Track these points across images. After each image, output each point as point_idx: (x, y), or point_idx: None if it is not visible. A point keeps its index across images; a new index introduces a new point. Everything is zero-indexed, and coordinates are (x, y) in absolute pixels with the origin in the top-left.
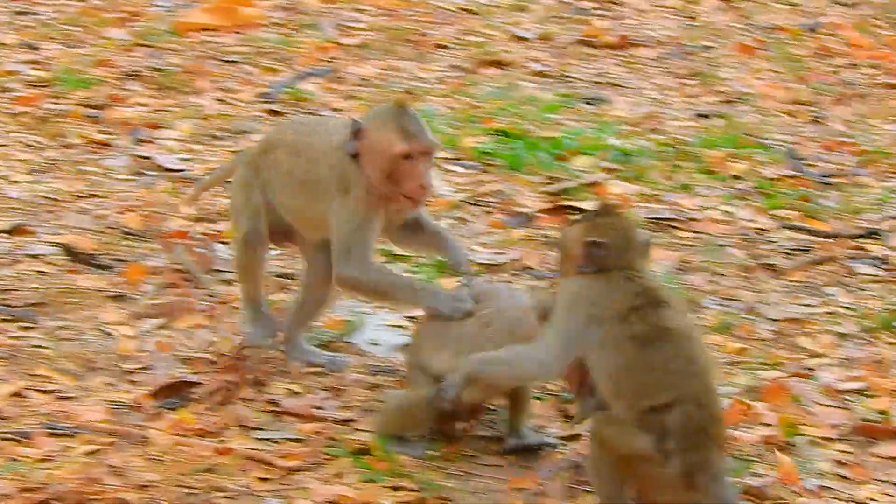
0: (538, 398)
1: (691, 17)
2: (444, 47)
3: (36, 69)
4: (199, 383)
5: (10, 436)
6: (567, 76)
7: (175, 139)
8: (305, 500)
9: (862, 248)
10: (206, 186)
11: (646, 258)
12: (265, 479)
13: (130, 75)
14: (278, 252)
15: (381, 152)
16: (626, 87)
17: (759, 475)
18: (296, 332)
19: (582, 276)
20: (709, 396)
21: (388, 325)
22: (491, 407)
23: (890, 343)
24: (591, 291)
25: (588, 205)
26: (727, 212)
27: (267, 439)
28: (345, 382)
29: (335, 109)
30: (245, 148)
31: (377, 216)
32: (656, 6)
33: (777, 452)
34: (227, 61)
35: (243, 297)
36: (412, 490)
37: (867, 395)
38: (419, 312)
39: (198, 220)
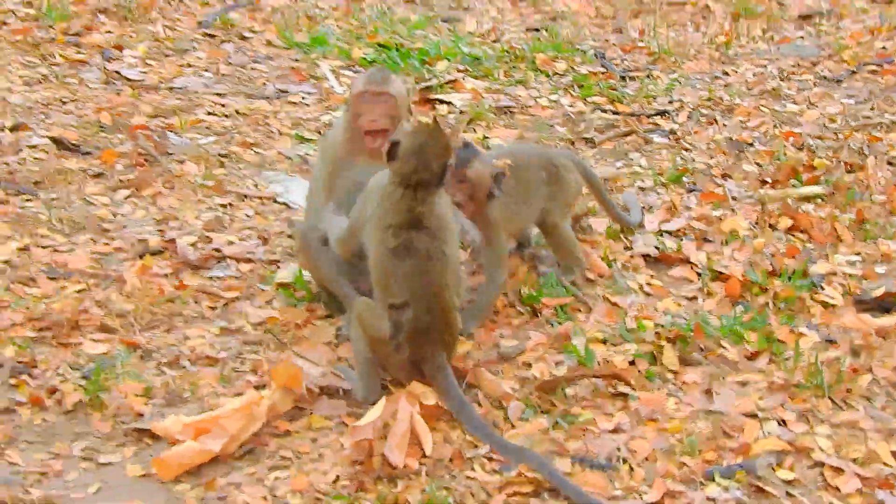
0: None
1: None
2: None
3: (27, 7)
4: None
5: (18, 279)
6: (428, 3)
7: (135, 57)
8: (244, 321)
9: (655, 124)
10: None
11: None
12: (213, 307)
13: (100, 10)
14: None
15: (351, 98)
16: (474, 10)
17: None
18: None
19: (386, 179)
20: (436, 305)
21: None
22: None
23: (678, 193)
24: (383, 195)
25: (450, 97)
26: (553, 100)
27: (214, 277)
28: (270, 233)
29: (253, 32)
30: None
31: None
32: None
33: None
34: None
35: None
36: (326, 312)
37: (664, 231)
38: None
39: (154, 116)
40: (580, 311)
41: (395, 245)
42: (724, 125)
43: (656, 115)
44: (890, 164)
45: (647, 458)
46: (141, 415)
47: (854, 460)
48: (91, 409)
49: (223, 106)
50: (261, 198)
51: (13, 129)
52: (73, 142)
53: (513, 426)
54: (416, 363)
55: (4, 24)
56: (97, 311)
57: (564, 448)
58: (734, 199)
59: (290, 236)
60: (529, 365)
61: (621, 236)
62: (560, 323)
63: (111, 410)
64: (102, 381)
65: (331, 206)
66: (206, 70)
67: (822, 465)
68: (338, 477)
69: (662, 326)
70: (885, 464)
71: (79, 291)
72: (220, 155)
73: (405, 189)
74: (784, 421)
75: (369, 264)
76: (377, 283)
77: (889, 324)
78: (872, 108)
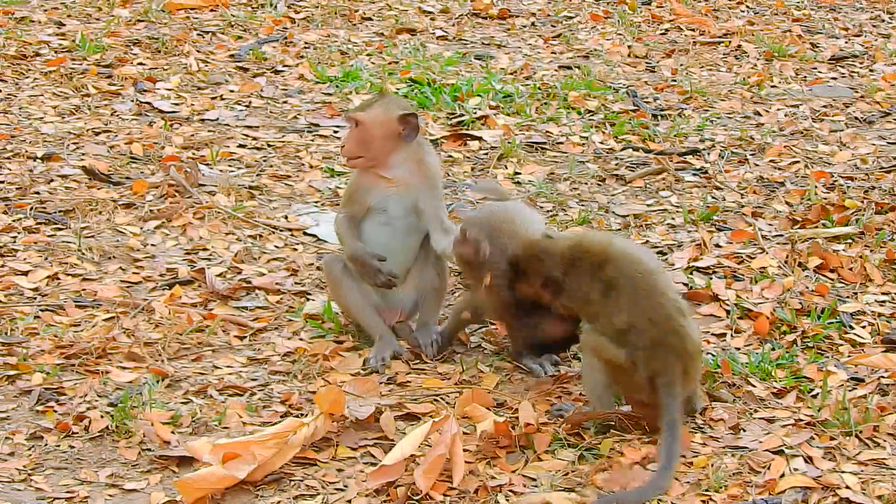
0: None
1: None
2: (370, 19)
3: (61, 39)
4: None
5: (48, 307)
6: (462, 39)
7: (167, 89)
8: (272, 352)
9: (686, 162)
10: None
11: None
12: (241, 338)
13: (133, 42)
14: None
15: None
16: (507, 47)
17: None
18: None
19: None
20: (659, 315)
21: None
22: None
23: (708, 231)
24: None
25: (481, 132)
26: (584, 137)
27: (242, 307)
28: (299, 265)
29: (286, 65)
30: None
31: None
32: None
33: None
34: (206, 31)
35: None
36: (353, 341)
37: (693, 269)
38: None
39: (185, 148)
40: None
41: (600, 287)
42: (756, 164)
43: (688, 153)
44: None
45: (672, 493)
46: (167, 442)
47: (880, 497)
48: (118, 437)
49: (255, 139)
50: (291, 230)
51: (45, 158)
52: (104, 172)
53: (539, 458)
54: (652, 379)
55: (38, 55)
56: (125, 339)
57: (592, 480)
58: (764, 237)
59: (318, 268)
60: (558, 398)
61: None
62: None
63: (137, 438)
64: (129, 408)
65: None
66: (238, 103)
67: (848, 502)
68: None
69: None
70: None
71: (107, 320)
72: (250, 187)
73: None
74: (810, 458)
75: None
76: (596, 319)
77: None
78: None
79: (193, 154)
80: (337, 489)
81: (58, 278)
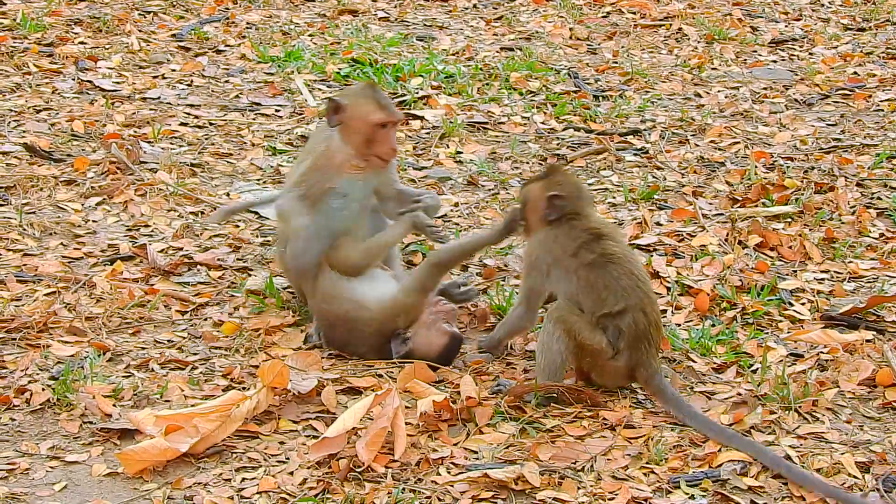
0: None
1: None
2: (312, 0)
3: (2, 18)
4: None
5: None
6: (404, 21)
7: (109, 68)
8: (213, 327)
9: (627, 143)
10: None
11: (591, 204)
12: (183, 313)
13: (75, 22)
14: None
15: (361, 121)
16: (449, 29)
17: None
18: None
19: (543, 228)
20: (651, 306)
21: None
22: None
23: (649, 210)
24: (547, 242)
25: (423, 112)
26: (526, 117)
27: (184, 283)
28: (242, 240)
29: (228, 45)
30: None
31: (341, 175)
32: None
33: None
34: (148, 11)
35: None
36: (294, 317)
37: (635, 246)
38: None
39: (127, 126)
40: None
41: (593, 258)
42: (696, 145)
43: (629, 133)
44: (859, 185)
45: (613, 466)
46: (109, 415)
47: (818, 470)
48: (59, 410)
49: (196, 117)
50: None
51: None
52: (46, 149)
53: (481, 432)
54: (631, 368)
55: None
56: (67, 314)
57: (534, 454)
58: (705, 216)
59: (262, 244)
60: (497, 376)
61: None
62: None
63: (79, 411)
64: (70, 382)
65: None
66: (180, 82)
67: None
68: (305, 479)
69: None
70: (850, 474)
71: (48, 295)
72: (192, 165)
73: (570, 219)
74: (750, 431)
75: (563, 296)
76: (586, 301)
77: (855, 339)
78: (843, 132)
79: (135, 132)
80: (279, 461)
81: None
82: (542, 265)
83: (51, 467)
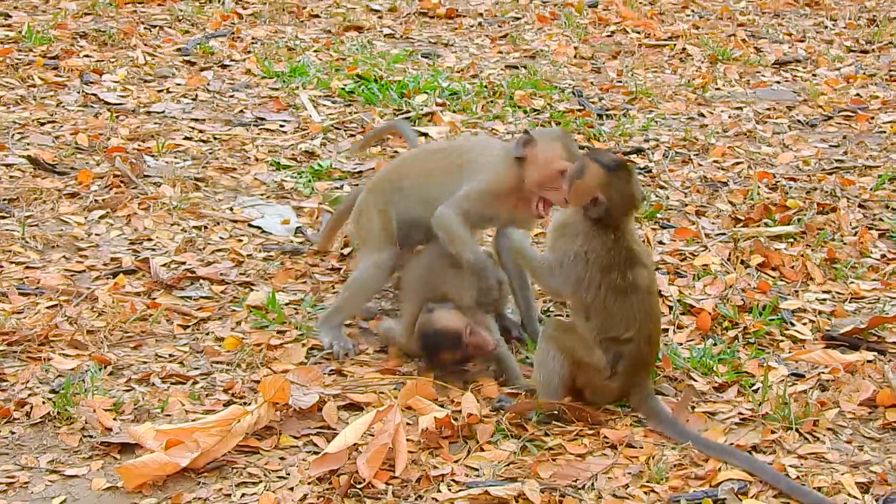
0: None
1: None
2: (317, 16)
3: (7, 31)
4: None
5: None
6: (409, 38)
7: (114, 81)
8: (214, 341)
9: (631, 161)
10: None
11: (634, 218)
12: (185, 327)
13: (80, 35)
14: None
15: (546, 162)
16: (454, 46)
17: None
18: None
19: (582, 217)
20: (657, 335)
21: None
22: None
23: (652, 229)
24: (586, 235)
25: (427, 129)
26: None
27: (186, 297)
28: (244, 254)
29: (233, 60)
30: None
31: (502, 205)
32: None
33: None
34: (153, 25)
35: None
36: (297, 335)
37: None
38: None
39: (131, 139)
40: None
41: (620, 284)
42: (700, 164)
43: (632, 152)
44: (861, 206)
45: (614, 485)
46: (109, 429)
47: (819, 489)
48: (59, 423)
49: (201, 132)
50: (235, 221)
51: None
52: (49, 162)
53: (482, 449)
54: (625, 390)
55: None
56: (68, 327)
57: (535, 472)
58: (707, 235)
59: (264, 259)
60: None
61: None
62: (530, 352)
63: (79, 424)
64: (71, 395)
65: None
66: (185, 96)
67: (785, 494)
68: (305, 495)
69: None
70: (850, 495)
71: (50, 307)
72: (196, 179)
73: (612, 230)
74: (751, 451)
75: (572, 299)
76: (592, 321)
77: (856, 360)
78: (845, 153)
79: (139, 145)
80: (279, 477)
81: (1, 266)
82: (574, 246)
83: (50, 481)
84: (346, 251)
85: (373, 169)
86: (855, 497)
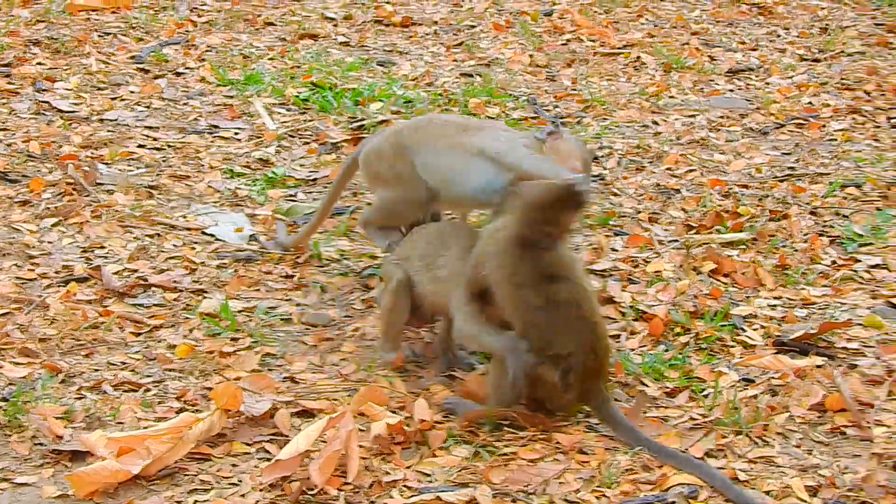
0: None
1: (458, 4)
2: (272, 24)
3: None
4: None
5: None
6: (364, 46)
7: (67, 89)
8: (167, 349)
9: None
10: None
11: (570, 235)
12: (137, 335)
13: (33, 42)
14: None
15: (562, 156)
16: (409, 54)
17: None
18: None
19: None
20: (600, 343)
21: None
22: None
23: (605, 236)
24: (516, 256)
25: None
26: None
27: (138, 304)
28: (197, 262)
29: (188, 68)
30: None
31: None
32: None
33: None
34: (107, 33)
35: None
36: (248, 340)
37: (590, 271)
38: None
39: (84, 147)
40: None
41: (540, 303)
42: (653, 172)
43: None
44: (812, 213)
45: (566, 490)
46: (60, 437)
47: (768, 493)
48: (9, 431)
49: (154, 139)
50: (189, 229)
51: None
52: (1, 169)
53: (434, 455)
54: (582, 400)
55: None
56: (19, 335)
57: (486, 477)
58: (660, 242)
59: (217, 267)
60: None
61: None
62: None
63: (30, 432)
64: (22, 403)
65: None
66: (139, 104)
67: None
68: (257, 501)
69: None
70: (799, 498)
71: (1, 316)
72: (149, 187)
73: (528, 247)
74: (702, 456)
75: (507, 315)
76: (532, 336)
77: (806, 365)
78: (797, 161)
79: (92, 153)
80: (231, 484)
81: None
82: (504, 271)
83: (0, 489)
84: (300, 259)
85: (327, 177)
86: (804, 500)
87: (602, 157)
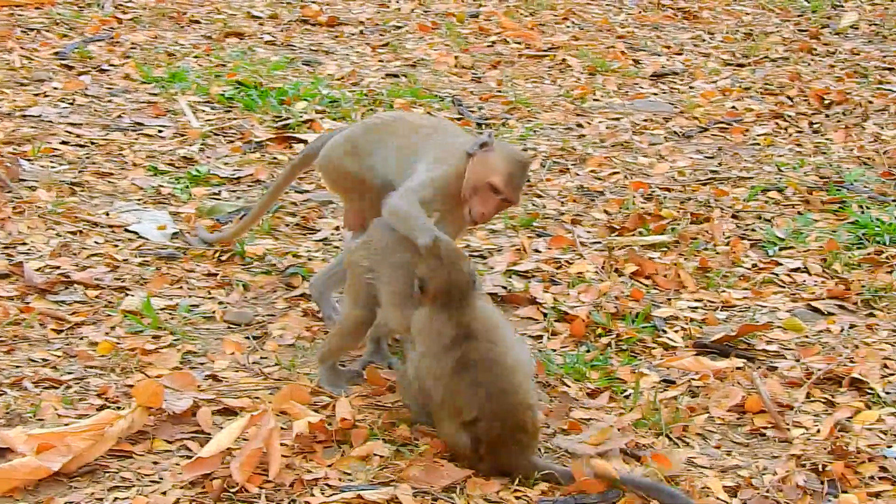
0: None
1: (384, 5)
2: (198, 22)
3: None
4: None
5: None
6: (290, 45)
7: None
8: (88, 346)
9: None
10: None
11: (470, 292)
12: (58, 331)
13: None
14: None
15: (486, 170)
16: (335, 54)
17: None
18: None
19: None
20: (511, 413)
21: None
22: None
23: (528, 237)
24: (427, 318)
25: (306, 136)
26: None
27: (60, 301)
28: (119, 259)
29: (112, 65)
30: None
31: (448, 202)
32: None
33: None
34: (31, 28)
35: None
36: (170, 338)
37: (512, 272)
38: None
39: (6, 143)
40: None
41: (453, 365)
42: (577, 174)
43: None
44: (734, 216)
45: (486, 489)
46: None
47: (687, 493)
48: None
49: (78, 136)
50: (112, 226)
51: None
52: None
53: (355, 452)
54: (498, 469)
55: None
56: None
57: (407, 476)
58: (582, 244)
59: (140, 264)
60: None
61: None
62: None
63: None
64: None
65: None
66: (62, 100)
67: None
68: (178, 499)
69: None
70: (718, 498)
71: None
72: (72, 183)
73: (442, 310)
74: (623, 456)
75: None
76: (443, 404)
77: (726, 366)
78: (720, 164)
79: (14, 149)
80: (152, 481)
81: None
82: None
83: None
84: (223, 257)
85: (251, 175)
86: (723, 501)
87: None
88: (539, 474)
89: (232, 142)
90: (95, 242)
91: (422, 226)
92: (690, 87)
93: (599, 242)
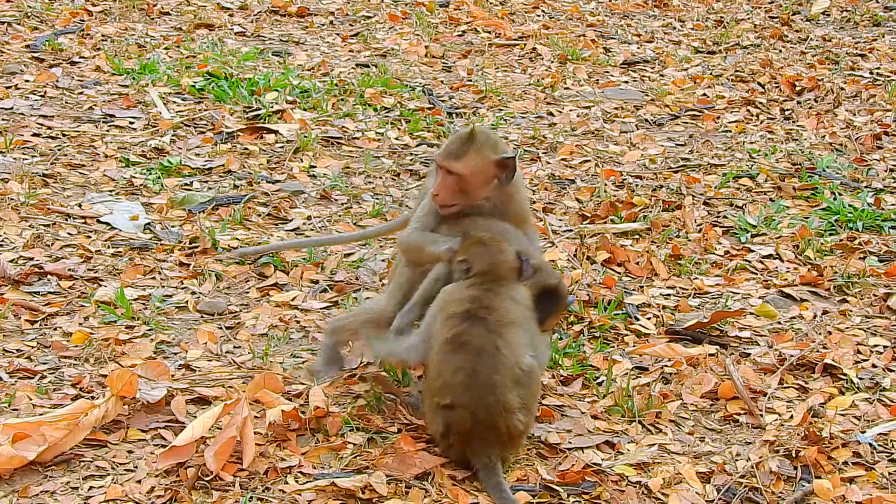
0: None
1: None
2: (168, 14)
3: None
4: None
5: None
6: (260, 36)
7: None
8: (62, 336)
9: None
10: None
11: (511, 276)
12: (32, 322)
13: None
14: None
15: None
16: (305, 44)
17: None
18: None
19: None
20: (484, 411)
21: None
22: None
23: None
24: (454, 286)
25: (277, 126)
26: (380, 133)
27: (34, 292)
28: (92, 250)
29: (83, 57)
30: None
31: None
32: None
33: None
34: (1, 21)
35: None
36: (143, 327)
37: None
38: None
39: None
40: None
41: (448, 336)
42: (548, 163)
43: None
44: (706, 204)
45: (458, 476)
46: None
47: (661, 480)
48: None
49: (49, 128)
50: (84, 217)
51: None
52: None
53: (329, 441)
54: (464, 461)
55: None
56: None
57: (381, 463)
58: (554, 232)
59: (113, 255)
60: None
61: None
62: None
63: None
64: None
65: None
66: (33, 93)
67: (629, 483)
68: (153, 487)
69: None
70: (691, 485)
71: None
72: (44, 175)
73: (474, 286)
74: (596, 444)
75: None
76: (431, 381)
77: (699, 353)
78: (691, 152)
79: None
80: (127, 470)
81: None
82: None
83: None
84: (195, 248)
85: (222, 166)
86: (696, 487)
87: None
88: (486, 489)
89: (203, 133)
90: (68, 233)
91: (432, 241)
92: (661, 75)
93: (571, 230)
